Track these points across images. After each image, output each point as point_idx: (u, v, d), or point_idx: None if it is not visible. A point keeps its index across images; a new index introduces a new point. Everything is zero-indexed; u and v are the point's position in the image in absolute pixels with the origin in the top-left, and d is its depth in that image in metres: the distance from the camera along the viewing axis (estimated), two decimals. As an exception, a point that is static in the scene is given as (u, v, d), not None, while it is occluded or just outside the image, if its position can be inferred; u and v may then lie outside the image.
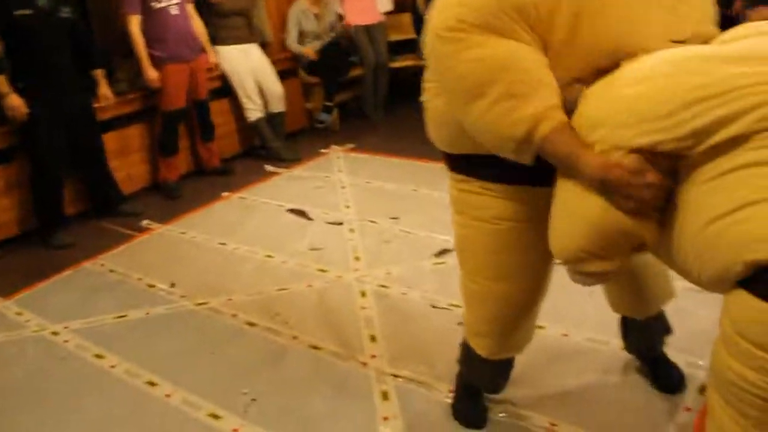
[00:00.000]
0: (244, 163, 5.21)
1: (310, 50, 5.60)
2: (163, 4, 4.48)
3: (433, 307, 2.93)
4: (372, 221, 3.86)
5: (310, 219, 4.00)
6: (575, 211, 1.40)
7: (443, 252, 3.39)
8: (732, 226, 1.19)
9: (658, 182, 1.29)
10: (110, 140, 4.46)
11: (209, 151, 5.00)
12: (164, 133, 4.68)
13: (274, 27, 5.73)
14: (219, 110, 5.18)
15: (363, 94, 6.03)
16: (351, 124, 5.93)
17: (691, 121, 1.22)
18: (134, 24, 4.44)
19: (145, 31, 4.48)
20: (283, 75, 5.51)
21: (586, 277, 1.47)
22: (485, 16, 1.40)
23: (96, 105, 4.30)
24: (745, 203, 1.17)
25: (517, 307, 1.90)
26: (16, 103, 3.80)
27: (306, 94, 5.91)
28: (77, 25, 4.11)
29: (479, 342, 2.00)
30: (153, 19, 4.48)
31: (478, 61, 1.42)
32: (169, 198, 4.65)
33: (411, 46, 6.22)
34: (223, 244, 3.79)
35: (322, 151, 5.27)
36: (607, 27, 1.42)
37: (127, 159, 4.64)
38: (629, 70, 1.36)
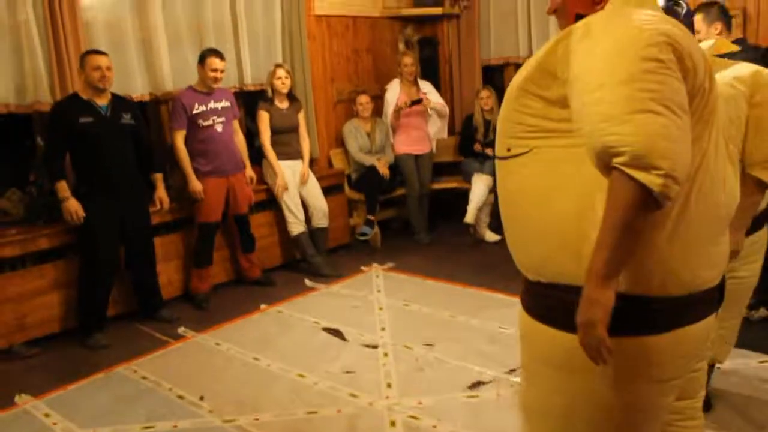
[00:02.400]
0: (285, 276, 5.26)
1: (384, 165, 5.79)
2: (209, 123, 4.67)
3: (464, 443, 2.85)
4: (407, 346, 3.82)
5: (345, 340, 3.98)
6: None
7: (477, 384, 3.33)
8: None
9: None
10: (156, 245, 4.54)
11: (250, 262, 5.05)
12: (199, 244, 4.74)
13: (321, 144, 5.94)
14: (263, 222, 5.30)
15: (408, 217, 6.13)
16: (393, 242, 5.99)
17: None
18: (179, 138, 4.62)
19: (190, 145, 4.65)
20: (328, 191, 5.65)
21: None
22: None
23: (151, 209, 4.45)
24: None
25: None
26: (73, 207, 3.97)
27: (350, 210, 6.04)
28: (139, 130, 4.31)
29: None
30: (199, 134, 4.65)
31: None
32: (198, 308, 4.68)
33: (455, 169, 6.35)
34: (257, 359, 3.78)
35: (363, 268, 5.31)
36: None
37: (168, 265, 4.73)
38: None
